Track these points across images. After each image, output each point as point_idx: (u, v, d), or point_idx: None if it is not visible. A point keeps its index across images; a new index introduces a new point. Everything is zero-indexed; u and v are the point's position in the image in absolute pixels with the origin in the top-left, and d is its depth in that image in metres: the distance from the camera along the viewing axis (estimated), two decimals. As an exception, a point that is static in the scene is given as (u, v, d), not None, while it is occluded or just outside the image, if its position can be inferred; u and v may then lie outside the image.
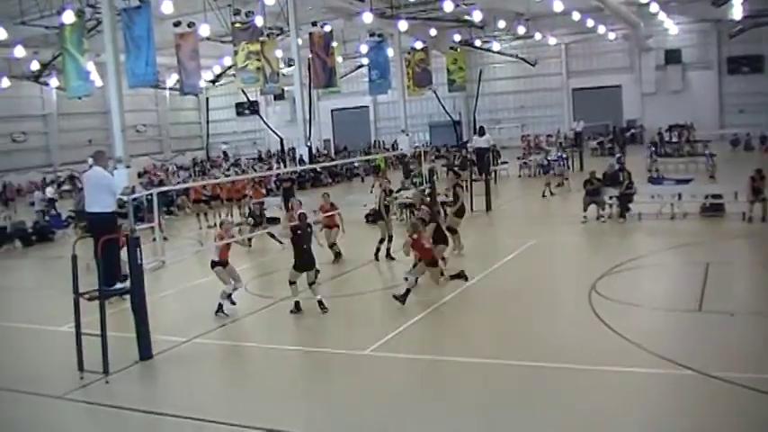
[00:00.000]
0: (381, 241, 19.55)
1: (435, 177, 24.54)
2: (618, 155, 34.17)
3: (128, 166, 31.22)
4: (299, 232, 15.19)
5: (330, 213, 19.52)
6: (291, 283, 15.04)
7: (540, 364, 10.98)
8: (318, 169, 42.84)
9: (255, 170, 46.63)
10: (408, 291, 14.91)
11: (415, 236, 14.92)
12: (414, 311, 14.45)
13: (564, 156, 37.06)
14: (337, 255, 19.62)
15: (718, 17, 49.22)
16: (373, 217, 25.01)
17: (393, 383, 11.01)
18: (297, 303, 15.03)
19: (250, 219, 22.35)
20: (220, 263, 15.54)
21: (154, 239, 19.31)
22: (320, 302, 14.89)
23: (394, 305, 14.94)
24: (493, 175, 33.40)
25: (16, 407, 11.05)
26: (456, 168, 33.24)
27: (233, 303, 15.66)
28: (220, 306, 15.28)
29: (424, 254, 14.98)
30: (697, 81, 55.76)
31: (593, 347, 11.58)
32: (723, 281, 15.50)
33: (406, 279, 15.20)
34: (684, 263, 17.92)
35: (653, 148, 36.43)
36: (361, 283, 15.85)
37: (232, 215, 29.87)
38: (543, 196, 29.64)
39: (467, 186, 29.27)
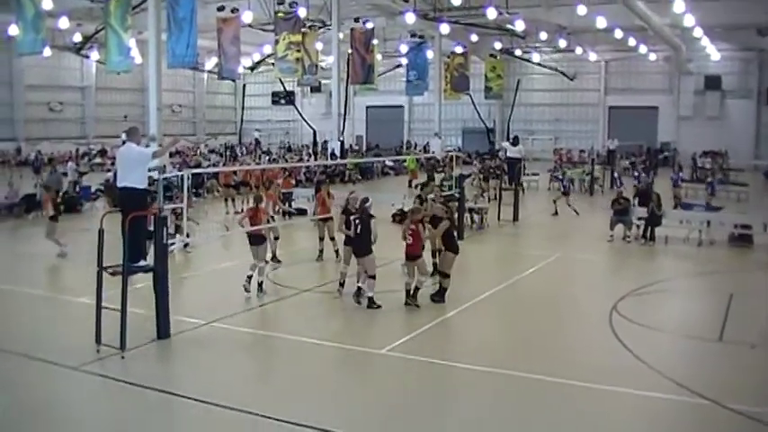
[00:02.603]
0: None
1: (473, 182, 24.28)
2: (645, 176, 33.80)
3: (160, 145, 31.48)
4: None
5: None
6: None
7: (556, 379, 10.92)
8: (348, 165, 42.82)
9: (286, 160, 46.75)
10: (417, 290, 14.96)
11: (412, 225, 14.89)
12: (432, 315, 14.43)
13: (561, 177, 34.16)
14: (336, 252, 19.32)
15: (761, 47, 48.85)
16: (401, 217, 24.95)
17: (404, 386, 11.02)
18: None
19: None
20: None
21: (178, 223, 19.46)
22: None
23: (414, 306, 14.94)
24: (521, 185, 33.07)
25: (30, 374, 11.17)
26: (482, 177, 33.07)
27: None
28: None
29: (410, 246, 14.86)
30: (735, 109, 55.35)
31: (610, 367, 11.51)
32: (746, 312, 15.31)
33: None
34: (708, 291, 17.79)
35: (678, 175, 34.33)
36: (386, 282, 15.83)
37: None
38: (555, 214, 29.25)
39: (496, 195, 29.24)
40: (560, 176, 33.49)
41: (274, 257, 18.94)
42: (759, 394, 10.48)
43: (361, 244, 14.94)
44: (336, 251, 19.11)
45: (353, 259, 15.41)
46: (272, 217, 19.49)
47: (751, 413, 9.68)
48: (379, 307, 14.75)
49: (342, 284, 15.81)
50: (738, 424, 9.55)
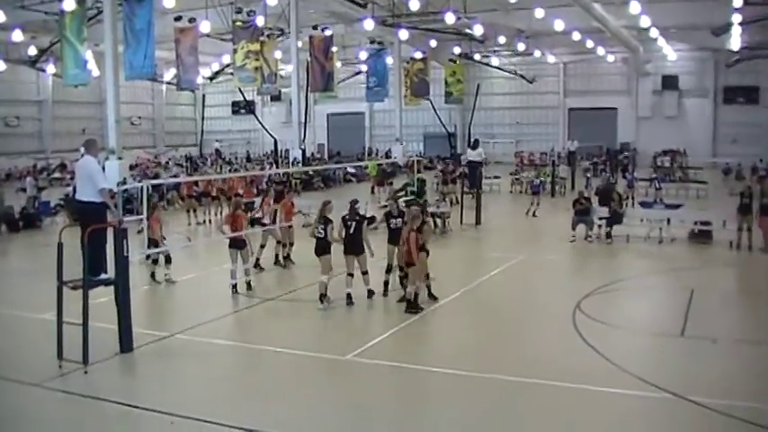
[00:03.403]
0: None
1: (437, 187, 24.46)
2: (607, 175, 34.19)
3: (120, 158, 31.18)
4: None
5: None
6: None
7: (520, 379, 10.98)
8: (311, 173, 42.75)
9: (247, 169, 46.56)
10: (416, 296, 14.97)
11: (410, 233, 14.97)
12: (397, 320, 14.45)
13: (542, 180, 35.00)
14: (289, 255, 20.06)
15: (716, 46, 49.39)
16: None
17: (370, 391, 11.01)
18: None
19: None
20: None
21: (139, 231, 19.32)
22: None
23: (378, 311, 15.08)
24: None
25: (-8, 391, 11.00)
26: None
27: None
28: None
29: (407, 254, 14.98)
30: (692, 108, 56.08)
31: (574, 366, 11.58)
32: (707, 307, 15.53)
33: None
34: (670, 287, 17.99)
35: (633, 175, 34.26)
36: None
37: (222, 213, 29.86)
38: (527, 215, 29.51)
39: (457, 199, 29.34)
40: (533, 178, 33.79)
41: (257, 264, 19.20)
42: (721, 387, 10.59)
43: (356, 243, 15.63)
44: (288, 255, 19.85)
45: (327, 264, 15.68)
46: (271, 223, 19.68)
47: (714, 405, 9.79)
48: (373, 294, 15.92)
49: (324, 295, 15.47)
50: (702, 416, 9.66)
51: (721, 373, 11.36)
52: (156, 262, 18.32)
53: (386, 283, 16.23)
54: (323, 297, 15.35)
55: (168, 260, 18.29)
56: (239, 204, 17.95)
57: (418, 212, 15.65)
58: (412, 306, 14.86)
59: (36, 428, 9.96)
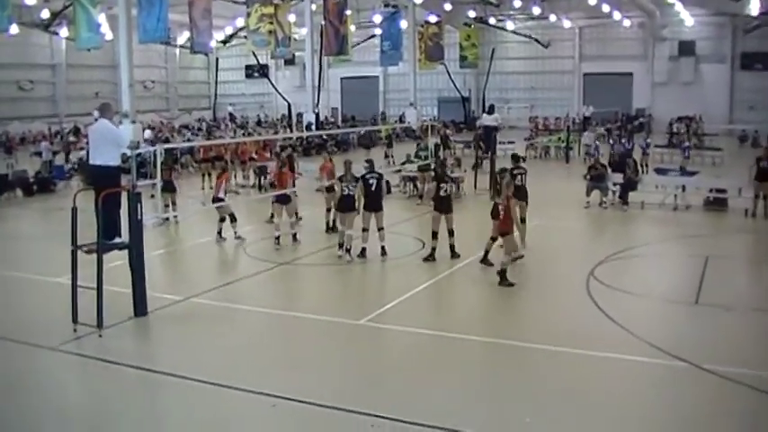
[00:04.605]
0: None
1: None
2: (623, 141, 33.88)
3: (133, 121, 31.20)
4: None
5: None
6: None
7: (534, 345, 10.98)
8: (324, 137, 42.65)
9: (260, 134, 46.54)
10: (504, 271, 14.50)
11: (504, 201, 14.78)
12: (411, 285, 14.46)
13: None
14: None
15: (734, 11, 48.80)
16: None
17: (383, 355, 11.06)
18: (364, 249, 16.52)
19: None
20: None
21: (152, 196, 19.35)
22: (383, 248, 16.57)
23: (394, 276, 15.21)
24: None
25: (7, 356, 11.07)
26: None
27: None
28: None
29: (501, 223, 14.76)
30: (709, 74, 55.37)
31: (588, 333, 11.57)
32: (721, 275, 15.47)
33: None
34: (684, 254, 17.91)
35: (646, 141, 34.19)
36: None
37: (236, 177, 29.87)
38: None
39: (474, 165, 29.23)
40: (592, 142, 33.65)
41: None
42: (735, 355, 10.55)
43: (376, 201, 16.43)
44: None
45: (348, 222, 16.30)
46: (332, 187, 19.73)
47: (727, 374, 9.76)
48: (386, 254, 16.47)
49: (348, 249, 16.29)
50: (714, 384, 9.64)
51: (735, 342, 11.31)
52: (224, 220, 18.63)
53: (433, 249, 16.38)
54: (344, 247, 16.19)
55: (233, 218, 18.61)
56: (285, 162, 19.31)
57: (510, 178, 15.55)
58: (504, 280, 14.28)
59: (51, 391, 10.02)
